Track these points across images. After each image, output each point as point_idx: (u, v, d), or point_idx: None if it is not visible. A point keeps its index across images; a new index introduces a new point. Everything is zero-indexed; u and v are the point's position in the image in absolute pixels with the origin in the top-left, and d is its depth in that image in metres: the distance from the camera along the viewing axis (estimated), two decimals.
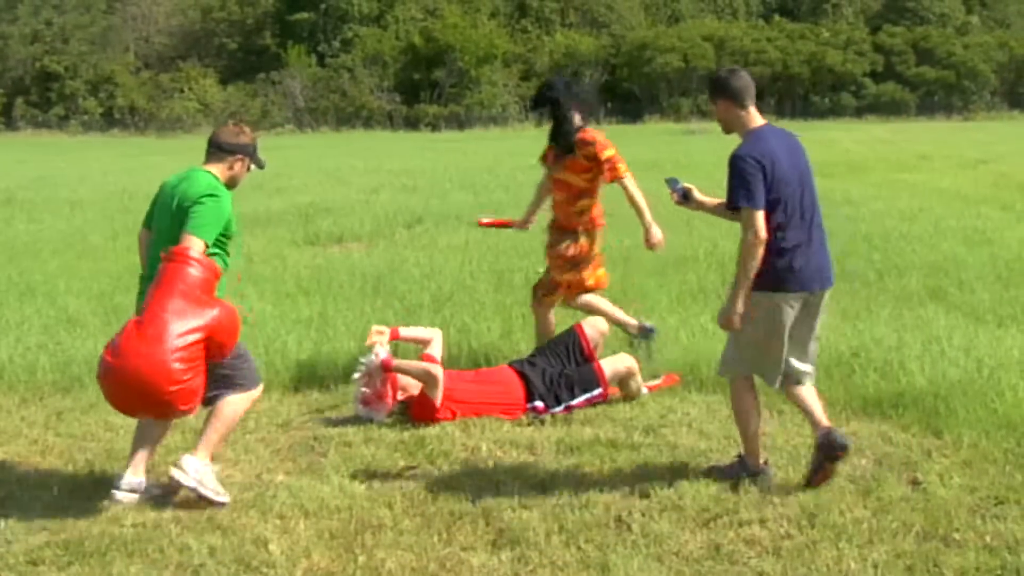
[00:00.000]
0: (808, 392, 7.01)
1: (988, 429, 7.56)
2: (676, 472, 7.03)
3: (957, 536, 5.95)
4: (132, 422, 8.35)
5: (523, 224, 10.30)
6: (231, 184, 7.16)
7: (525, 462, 7.29)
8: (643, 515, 6.33)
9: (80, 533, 6.27)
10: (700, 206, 7.28)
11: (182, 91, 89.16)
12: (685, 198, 7.25)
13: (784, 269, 6.68)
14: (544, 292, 9.66)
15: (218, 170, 7.13)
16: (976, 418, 7.74)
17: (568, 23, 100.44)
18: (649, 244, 9.36)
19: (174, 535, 6.20)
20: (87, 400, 9.05)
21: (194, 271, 6.55)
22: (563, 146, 9.36)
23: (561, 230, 9.53)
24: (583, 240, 9.46)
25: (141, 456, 7.06)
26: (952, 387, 8.34)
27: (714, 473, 6.95)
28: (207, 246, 6.74)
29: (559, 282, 9.54)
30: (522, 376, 8.57)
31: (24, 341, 10.71)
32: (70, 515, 6.58)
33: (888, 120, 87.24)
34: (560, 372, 8.66)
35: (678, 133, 64.44)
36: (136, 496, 6.86)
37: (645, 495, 6.66)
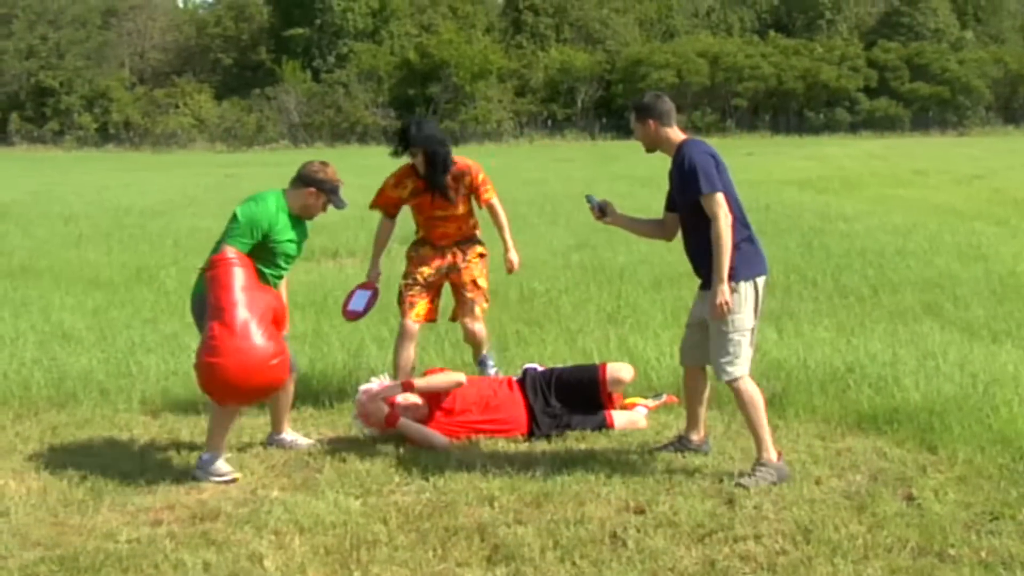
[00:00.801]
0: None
1: (983, 445, 7.57)
2: (671, 488, 7.03)
3: (952, 552, 5.95)
4: (126, 440, 8.41)
5: (375, 280, 9.59)
6: (304, 214, 7.91)
7: (520, 477, 7.27)
8: (638, 531, 6.33)
9: (75, 549, 6.25)
10: (615, 220, 7.77)
11: (177, 106, 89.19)
12: (602, 212, 7.72)
13: (756, 255, 7.35)
14: (485, 304, 9.47)
15: (292, 197, 7.83)
16: (971, 434, 7.75)
17: (563, 39, 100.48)
18: (509, 266, 9.55)
19: (169, 551, 6.18)
20: (82, 415, 9.06)
21: (236, 268, 7.41)
22: (440, 190, 9.14)
23: (466, 237, 9.39)
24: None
25: (281, 416, 8.24)
26: (947, 402, 8.36)
27: (742, 487, 6.96)
28: (240, 253, 7.55)
29: (485, 288, 9.45)
30: (532, 417, 8.39)
31: (19, 356, 10.71)
32: (65, 531, 6.58)
33: (882, 136, 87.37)
34: (571, 416, 8.46)
35: None
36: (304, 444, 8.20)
37: (640, 511, 6.66)
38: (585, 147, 77.37)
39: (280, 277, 7.97)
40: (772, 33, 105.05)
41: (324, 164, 7.99)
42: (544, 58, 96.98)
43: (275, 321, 7.47)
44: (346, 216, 23.84)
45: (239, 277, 7.36)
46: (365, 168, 48.86)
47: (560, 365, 9.10)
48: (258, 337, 7.20)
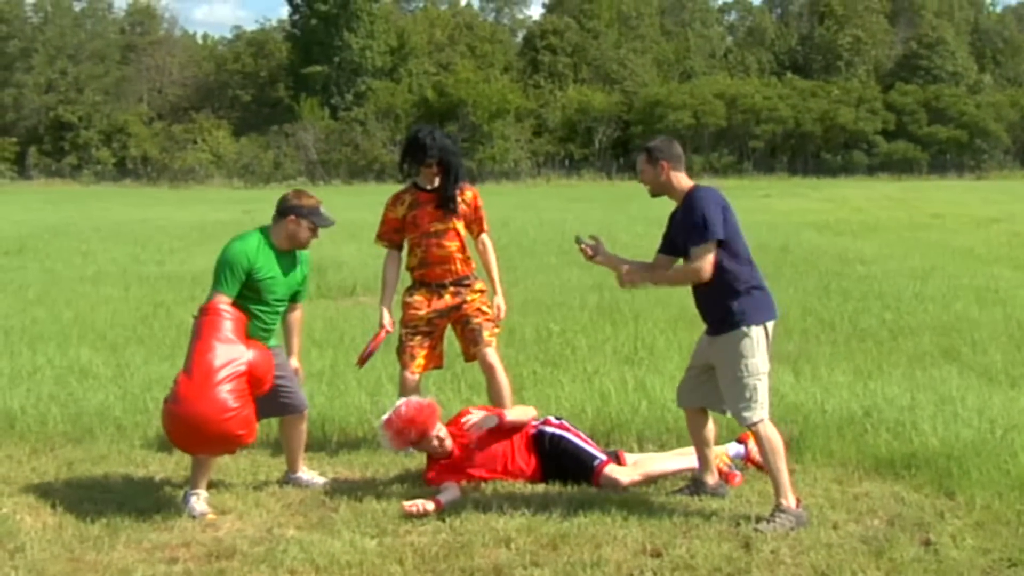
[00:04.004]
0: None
1: (1001, 490, 7.53)
2: (688, 531, 7.01)
3: None
4: (142, 477, 8.43)
5: (389, 327, 9.36)
6: (294, 243, 7.98)
7: (537, 519, 7.25)
8: (655, 574, 6.31)
9: None
10: (606, 260, 7.81)
11: (195, 142, 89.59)
12: (593, 251, 7.74)
13: (765, 300, 7.41)
14: (495, 330, 9.29)
15: (275, 231, 7.97)
16: (989, 479, 7.72)
17: (581, 79, 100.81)
18: (496, 312, 9.31)
19: None
20: (98, 451, 9.07)
21: (221, 319, 7.52)
22: (448, 200, 9.00)
23: (461, 278, 9.16)
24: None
25: (296, 455, 8.30)
26: (965, 448, 8.32)
27: (760, 532, 6.93)
28: (231, 297, 7.66)
29: (491, 315, 9.26)
30: (544, 479, 8.33)
31: (36, 391, 10.72)
32: (81, 567, 6.58)
33: (900, 178, 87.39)
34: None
35: None
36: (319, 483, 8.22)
37: (657, 554, 6.63)
38: (602, 187, 77.46)
39: (276, 314, 8.02)
40: (790, 75, 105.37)
41: (298, 192, 8.15)
42: (562, 98, 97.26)
43: (252, 379, 7.50)
44: (363, 254, 23.96)
45: (220, 329, 7.51)
46: (382, 205, 49.15)
47: (572, 433, 8.48)
48: (216, 390, 7.29)
